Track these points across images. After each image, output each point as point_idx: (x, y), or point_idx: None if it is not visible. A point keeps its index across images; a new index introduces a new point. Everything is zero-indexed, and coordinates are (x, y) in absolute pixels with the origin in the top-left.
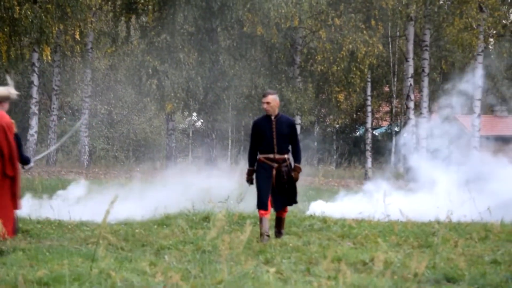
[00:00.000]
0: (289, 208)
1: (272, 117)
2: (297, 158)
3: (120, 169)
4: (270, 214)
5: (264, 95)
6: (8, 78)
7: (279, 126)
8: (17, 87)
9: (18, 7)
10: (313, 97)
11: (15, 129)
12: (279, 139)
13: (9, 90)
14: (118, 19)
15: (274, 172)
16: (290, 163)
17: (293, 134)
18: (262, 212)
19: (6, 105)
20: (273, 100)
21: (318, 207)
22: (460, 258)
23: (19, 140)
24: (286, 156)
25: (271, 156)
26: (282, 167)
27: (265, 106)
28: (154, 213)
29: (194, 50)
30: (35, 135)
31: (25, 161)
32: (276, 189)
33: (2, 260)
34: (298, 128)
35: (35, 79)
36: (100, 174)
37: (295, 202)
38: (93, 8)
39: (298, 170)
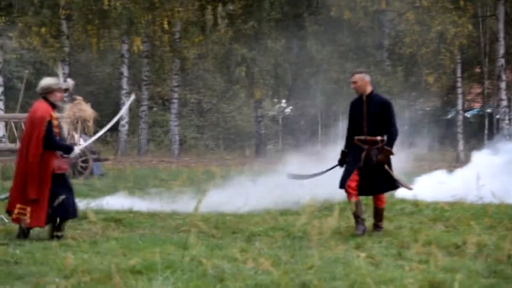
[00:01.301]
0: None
1: (364, 97)
2: (388, 141)
3: (211, 157)
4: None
5: (352, 75)
6: (57, 69)
7: (370, 106)
8: (108, 79)
9: None
10: (402, 80)
11: (55, 121)
12: (369, 119)
13: (55, 81)
14: (205, 8)
15: (363, 154)
16: (383, 146)
17: (386, 115)
18: (347, 193)
19: (56, 96)
20: (359, 79)
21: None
22: None
23: (49, 130)
24: (379, 138)
25: (362, 137)
26: (372, 150)
27: (352, 86)
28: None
29: (281, 36)
30: (126, 126)
31: (65, 150)
32: (366, 173)
33: (96, 249)
34: None
35: (124, 70)
36: (190, 163)
37: (393, 187)
38: None
39: (385, 153)
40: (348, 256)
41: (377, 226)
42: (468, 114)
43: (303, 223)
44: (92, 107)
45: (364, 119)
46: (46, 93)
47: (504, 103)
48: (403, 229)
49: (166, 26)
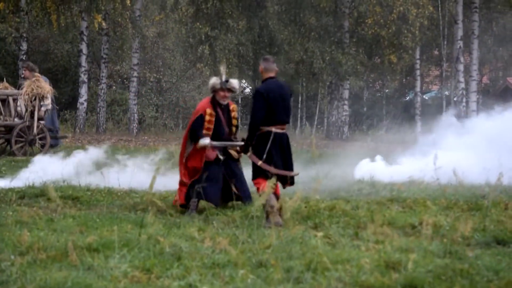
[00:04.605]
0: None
1: None
2: None
3: (169, 136)
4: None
5: None
6: (221, 68)
7: None
8: (67, 56)
9: None
10: (364, 60)
11: (208, 117)
12: None
13: (217, 81)
14: None
15: None
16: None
17: None
18: None
19: (219, 94)
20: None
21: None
22: (511, 220)
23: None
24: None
25: None
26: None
27: None
28: None
29: (243, 15)
30: (85, 104)
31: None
32: None
33: (53, 227)
34: (347, 92)
35: (83, 47)
36: (149, 142)
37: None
38: None
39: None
40: (305, 236)
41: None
42: (426, 96)
43: (262, 203)
44: (51, 84)
45: None
46: (213, 92)
47: (462, 85)
48: (360, 210)
49: (128, 2)
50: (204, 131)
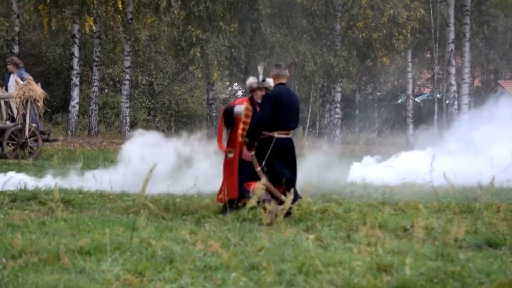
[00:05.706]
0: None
1: None
2: None
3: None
4: None
5: None
6: (258, 68)
7: None
8: (58, 59)
9: None
10: (356, 63)
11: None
12: None
13: (254, 80)
14: None
15: None
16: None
17: None
18: None
19: (257, 94)
20: None
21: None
22: (502, 223)
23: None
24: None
25: None
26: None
27: None
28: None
29: (235, 18)
30: (77, 107)
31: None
32: None
33: (45, 230)
34: (339, 95)
35: (75, 50)
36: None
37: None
38: None
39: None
40: (297, 238)
41: None
42: (418, 99)
43: (253, 206)
44: (42, 87)
45: None
46: (251, 92)
47: (454, 88)
48: (352, 212)
49: (119, 6)
50: (242, 126)
